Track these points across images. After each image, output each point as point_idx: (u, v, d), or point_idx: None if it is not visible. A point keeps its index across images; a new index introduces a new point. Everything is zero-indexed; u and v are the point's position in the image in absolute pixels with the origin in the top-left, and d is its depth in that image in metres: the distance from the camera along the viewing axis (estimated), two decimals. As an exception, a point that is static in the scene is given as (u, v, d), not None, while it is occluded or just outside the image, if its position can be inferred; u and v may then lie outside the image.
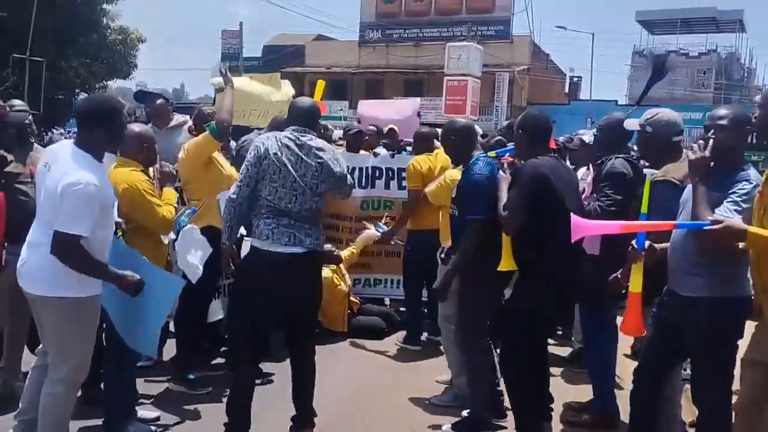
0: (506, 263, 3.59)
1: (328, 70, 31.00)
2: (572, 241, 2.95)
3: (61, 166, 2.97)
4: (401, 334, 5.72)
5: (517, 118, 3.95)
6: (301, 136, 3.55)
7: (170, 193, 3.82)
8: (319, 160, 3.53)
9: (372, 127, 7.16)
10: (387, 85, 30.84)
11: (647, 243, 3.07)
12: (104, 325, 3.48)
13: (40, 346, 3.29)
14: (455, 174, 4.23)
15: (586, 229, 2.98)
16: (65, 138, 3.87)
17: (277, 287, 3.47)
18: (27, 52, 19.86)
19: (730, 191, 2.85)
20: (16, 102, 4.17)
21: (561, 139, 5.57)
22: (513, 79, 28.96)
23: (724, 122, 2.94)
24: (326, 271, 5.29)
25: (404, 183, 5.74)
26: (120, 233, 3.46)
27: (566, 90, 37.57)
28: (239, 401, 3.59)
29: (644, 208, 3.10)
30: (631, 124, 3.65)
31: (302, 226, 3.50)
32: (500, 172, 3.76)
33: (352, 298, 5.98)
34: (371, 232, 5.82)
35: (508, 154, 4.01)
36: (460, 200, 3.88)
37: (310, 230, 3.53)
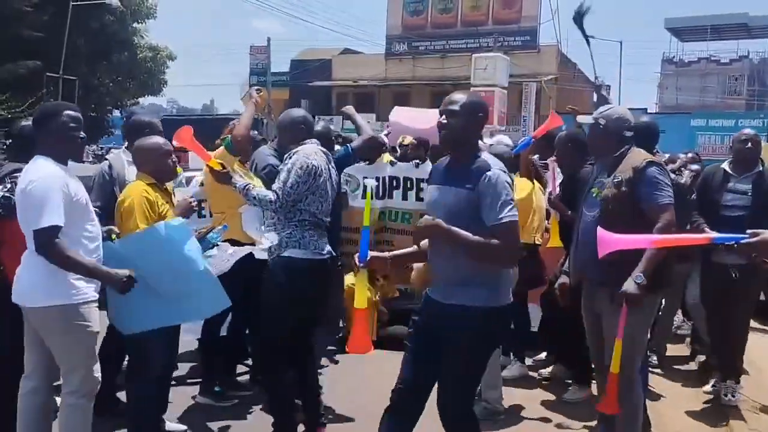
0: (555, 240, 4.51)
1: (354, 84, 31.12)
2: (599, 257, 2.92)
3: (22, 176, 3.09)
4: None
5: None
6: (324, 151, 3.72)
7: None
8: (335, 175, 3.83)
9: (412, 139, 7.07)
10: (414, 97, 30.84)
11: (370, 254, 3.02)
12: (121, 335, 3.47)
13: (25, 370, 3.21)
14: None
15: (615, 243, 2.92)
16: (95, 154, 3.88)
17: (315, 292, 3.72)
18: (60, 71, 20.30)
19: None
20: None
21: None
22: (540, 89, 28.78)
23: (455, 107, 2.87)
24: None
25: (422, 195, 5.63)
26: (114, 237, 3.44)
27: (594, 99, 37.20)
28: (286, 404, 3.74)
29: None
30: (584, 119, 3.80)
31: (324, 234, 3.77)
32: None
33: (381, 308, 5.90)
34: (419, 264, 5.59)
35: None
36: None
37: (326, 238, 3.80)
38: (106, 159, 4.39)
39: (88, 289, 3.09)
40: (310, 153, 3.67)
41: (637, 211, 3.34)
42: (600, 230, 2.95)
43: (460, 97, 2.91)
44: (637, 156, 3.46)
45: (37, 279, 3.02)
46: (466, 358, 2.84)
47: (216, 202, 4.40)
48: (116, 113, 26.89)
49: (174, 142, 3.70)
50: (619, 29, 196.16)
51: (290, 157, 3.68)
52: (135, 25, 25.93)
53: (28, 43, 20.32)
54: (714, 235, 3.06)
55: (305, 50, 36.49)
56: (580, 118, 3.89)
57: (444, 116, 2.88)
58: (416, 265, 5.29)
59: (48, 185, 2.96)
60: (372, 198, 3.44)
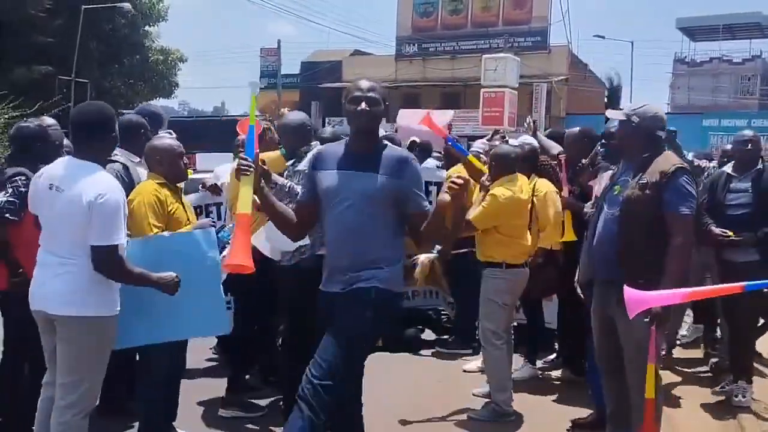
0: (569, 234, 4.62)
1: (365, 85, 31.14)
2: (631, 316, 2.88)
3: (76, 184, 2.93)
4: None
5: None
6: None
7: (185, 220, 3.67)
8: None
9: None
10: (424, 99, 30.82)
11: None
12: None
13: (45, 376, 3.18)
14: (504, 191, 4.28)
15: (646, 302, 2.84)
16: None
17: None
18: (72, 74, 20.43)
19: None
20: (49, 120, 4.11)
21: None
22: (551, 90, 28.68)
23: (375, 95, 2.93)
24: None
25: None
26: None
27: (605, 99, 37.08)
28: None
29: None
30: (614, 114, 3.61)
31: None
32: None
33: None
34: (424, 258, 5.45)
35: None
36: None
37: None
38: (117, 161, 4.13)
39: (116, 302, 3.06)
40: None
41: (657, 216, 3.25)
42: (628, 290, 2.87)
43: (371, 85, 2.97)
44: (667, 160, 3.34)
45: (74, 288, 2.94)
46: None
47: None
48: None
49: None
50: (630, 29, 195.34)
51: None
52: (146, 28, 26.09)
53: (41, 47, 20.51)
54: (744, 283, 3.04)
55: (315, 52, 36.57)
56: (610, 113, 3.71)
57: (366, 104, 2.91)
58: (420, 261, 5.34)
59: (118, 201, 2.94)
60: None
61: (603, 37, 63.54)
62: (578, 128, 4.87)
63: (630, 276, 3.14)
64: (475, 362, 5.22)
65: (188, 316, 3.31)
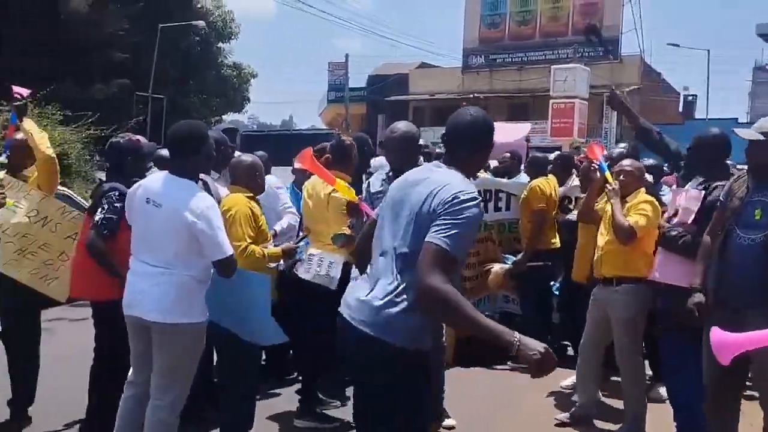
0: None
1: (431, 98, 31.15)
2: (724, 363, 2.65)
3: (174, 200, 3.11)
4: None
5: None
6: None
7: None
8: None
9: (507, 154, 7.12)
10: (491, 110, 30.55)
11: None
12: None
13: (129, 375, 3.38)
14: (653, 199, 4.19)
15: (735, 344, 2.63)
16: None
17: None
18: (149, 90, 21.21)
19: None
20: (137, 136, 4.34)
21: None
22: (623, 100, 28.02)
23: None
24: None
25: (500, 204, 5.96)
26: None
27: (680, 109, 35.96)
28: None
29: None
30: (745, 133, 3.34)
31: None
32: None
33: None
34: (497, 268, 5.46)
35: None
36: None
37: None
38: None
39: (207, 310, 3.25)
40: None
41: None
42: (716, 332, 2.67)
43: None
44: None
45: (171, 297, 3.12)
46: None
47: (310, 218, 4.38)
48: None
49: (296, 164, 3.84)
50: (707, 36, 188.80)
51: None
52: (219, 44, 26.89)
53: (119, 64, 21.37)
54: None
55: (382, 65, 36.85)
56: (740, 132, 3.40)
57: None
58: (494, 270, 5.27)
59: (219, 214, 3.19)
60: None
61: (677, 46, 61.73)
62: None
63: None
64: (571, 378, 4.93)
65: (240, 317, 3.50)
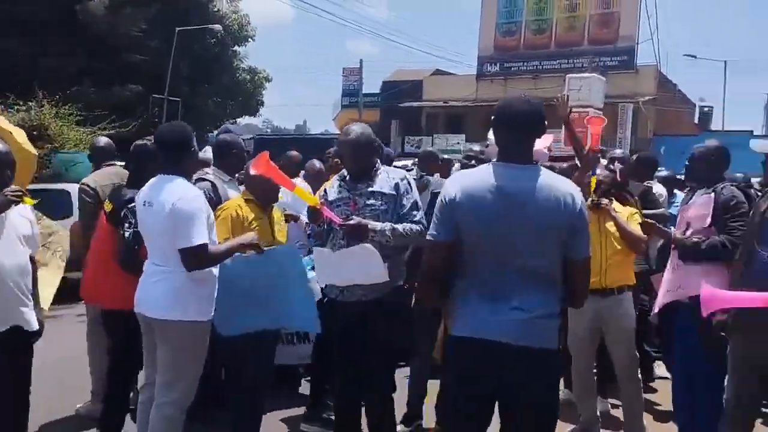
0: None
1: (445, 105, 31.14)
2: (704, 315, 2.75)
3: (159, 196, 3.20)
4: None
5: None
6: None
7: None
8: None
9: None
10: (505, 118, 30.56)
11: None
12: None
13: (143, 377, 3.45)
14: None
15: (722, 301, 2.69)
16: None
17: None
18: (165, 93, 21.35)
19: None
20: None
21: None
22: (637, 110, 27.87)
23: None
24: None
25: None
26: None
27: (696, 120, 35.75)
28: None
29: None
30: (762, 146, 3.37)
31: None
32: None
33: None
34: None
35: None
36: None
37: None
38: (207, 179, 4.24)
39: (211, 310, 3.30)
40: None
41: None
42: (706, 288, 2.70)
43: None
44: None
45: (168, 294, 3.20)
46: None
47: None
48: (215, 133, 28.01)
49: (251, 171, 3.69)
50: (724, 47, 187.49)
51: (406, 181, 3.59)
52: (235, 48, 27.02)
53: (135, 67, 21.53)
54: None
55: (396, 71, 36.91)
56: (756, 145, 3.49)
57: None
58: None
59: (192, 205, 3.16)
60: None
61: (694, 57, 61.23)
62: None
63: None
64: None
65: (283, 308, 3.55)
